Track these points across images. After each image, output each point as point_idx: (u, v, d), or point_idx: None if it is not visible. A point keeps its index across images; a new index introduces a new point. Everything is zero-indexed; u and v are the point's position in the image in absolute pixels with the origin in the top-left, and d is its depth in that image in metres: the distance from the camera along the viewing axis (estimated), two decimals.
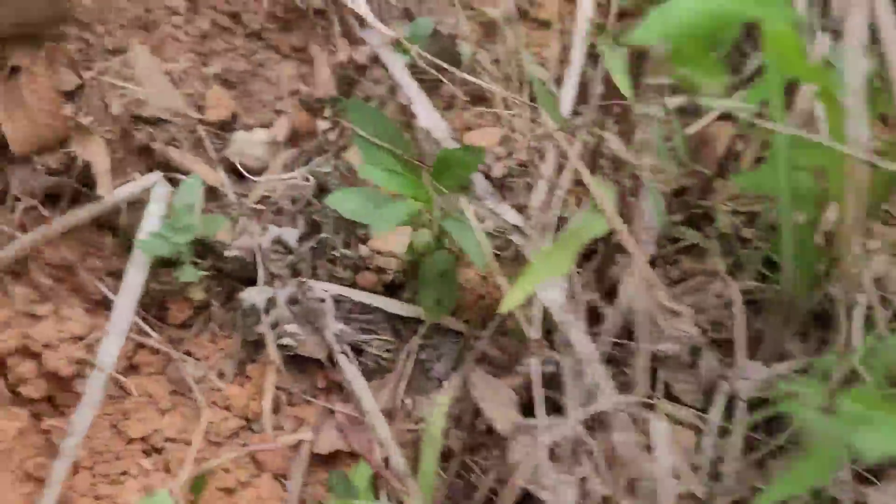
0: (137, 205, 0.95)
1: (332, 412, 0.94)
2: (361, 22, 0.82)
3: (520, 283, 0.60)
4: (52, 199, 0.98)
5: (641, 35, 0.39)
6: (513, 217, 0.79)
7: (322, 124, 1.00)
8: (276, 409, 0.94)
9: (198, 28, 1.10)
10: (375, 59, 1.07)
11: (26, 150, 0.95)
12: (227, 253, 0.91)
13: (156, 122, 1.02)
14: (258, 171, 1.04)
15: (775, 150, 0.71)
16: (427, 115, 0.83)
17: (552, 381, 0.89)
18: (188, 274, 0.88)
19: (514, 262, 0.86)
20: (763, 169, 0.77)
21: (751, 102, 0.60)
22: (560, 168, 0.94)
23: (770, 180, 0.75)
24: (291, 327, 0.95)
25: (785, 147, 0.70)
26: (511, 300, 0.60)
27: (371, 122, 0.85)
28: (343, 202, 0.84)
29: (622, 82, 0.66)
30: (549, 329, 0.98)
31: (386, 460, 0.87)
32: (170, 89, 1.01)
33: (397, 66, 0.84)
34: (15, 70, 0.96)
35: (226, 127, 1.07)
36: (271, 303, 0.95)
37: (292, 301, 0.97)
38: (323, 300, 0.97)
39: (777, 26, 0.34)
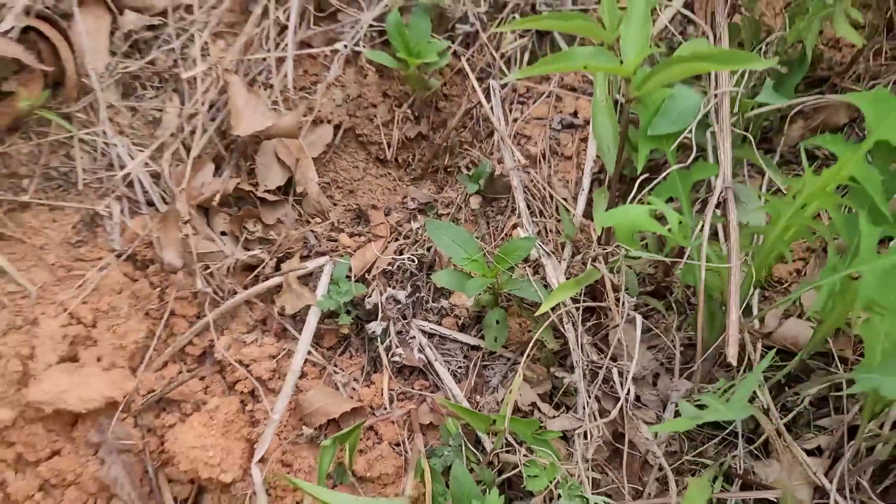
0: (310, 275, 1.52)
1: (425, 400, 1.49)
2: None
3: (549, 299, 1.17)
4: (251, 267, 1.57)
5: (600, 221, 0.93)
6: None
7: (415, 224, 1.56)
8: (390, 402, 1.50)
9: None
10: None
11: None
12: (367, 306, 1.47)
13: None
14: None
15: (690, 266, 1.26)
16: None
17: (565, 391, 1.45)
18: (344, 319, 1.44)
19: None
20: (688, 268, 1.31)
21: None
22: (573, 254, 1.49)
23: (693, 277, 1.29)
24: (399, 350, 1.51)
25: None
26: (545, 306, 1.16)
27: (446, 232, 1.40)
28: (441, 278, 1.40)
29: (598, 228, 1.21)
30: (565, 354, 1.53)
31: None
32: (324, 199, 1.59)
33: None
34: None
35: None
36: (386, 334, 1.51)
37: (400, 333, 1.53)
38: (422, 332, 1.53)
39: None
